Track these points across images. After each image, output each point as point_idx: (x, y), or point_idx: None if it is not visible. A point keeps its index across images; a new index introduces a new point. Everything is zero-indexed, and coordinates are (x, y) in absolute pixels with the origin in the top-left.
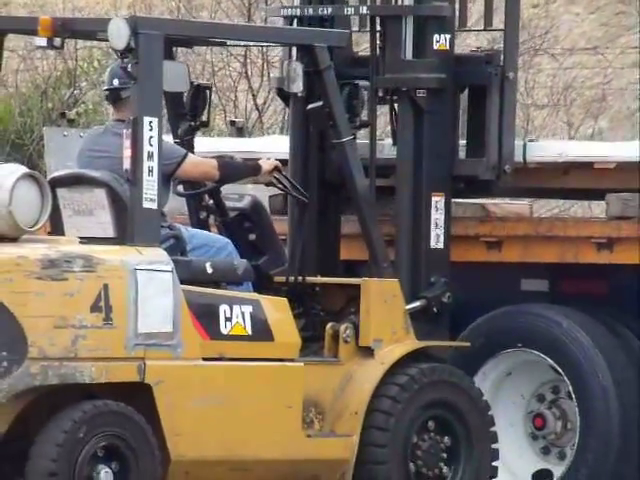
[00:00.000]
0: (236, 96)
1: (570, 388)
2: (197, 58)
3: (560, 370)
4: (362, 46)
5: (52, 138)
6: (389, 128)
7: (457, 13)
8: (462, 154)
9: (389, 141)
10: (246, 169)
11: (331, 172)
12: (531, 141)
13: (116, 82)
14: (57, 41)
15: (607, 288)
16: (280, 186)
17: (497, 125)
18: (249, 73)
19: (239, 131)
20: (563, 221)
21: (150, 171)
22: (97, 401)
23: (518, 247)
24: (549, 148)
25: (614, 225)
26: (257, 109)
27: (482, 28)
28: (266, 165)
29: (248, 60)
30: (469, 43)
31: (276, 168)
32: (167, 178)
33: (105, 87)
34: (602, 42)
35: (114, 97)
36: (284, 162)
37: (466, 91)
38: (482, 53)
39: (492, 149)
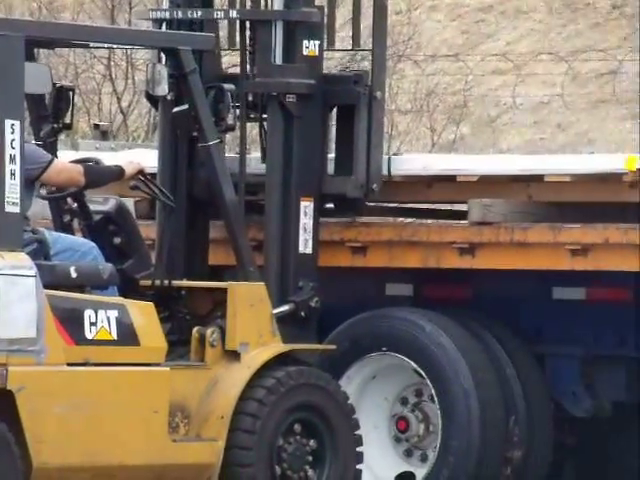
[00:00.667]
0: (100, 99)
1: (432, 391)
2: (60, 60)
3: (423, 373)
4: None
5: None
6: (257, 141)
7: (325, 31)
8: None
9: (257, 155)
10: (110, 173)
11: (199, 189)
12: (395, 155)
13: None
14: None
15: (470, 292)
16: (146, 190)
17: (365, 143)
18: (113, 76)
19: (103, 134)
20: (426, 226)
21: (12, 174)
22: None
23: (382, 252)
24: (413, 162)
25: (475, 230)
26: (122, 112)
27: (350, 48)
28: (129, 168)
29: (112, 62)
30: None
31: (140, 172)
32: (31, 182)
33: None
34: (463, 49)
35: None
36: (153, 175)
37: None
38: (350, 73)
39: (360, 167)
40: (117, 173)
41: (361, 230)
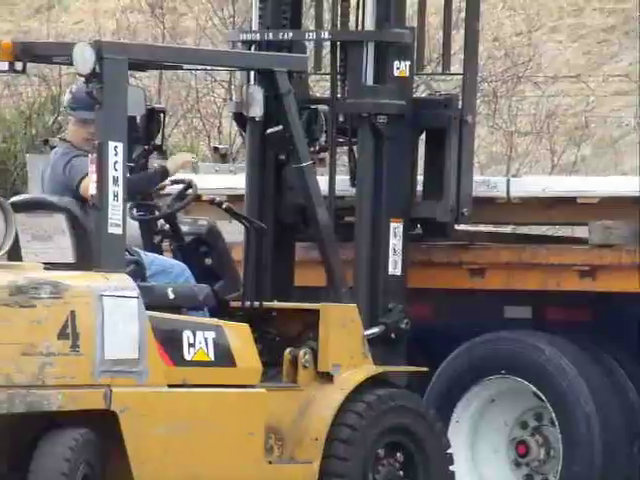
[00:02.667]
0: (220, 122)
1: (553, 415)
2: (181, 84)
3: (543, 397)
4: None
5: (35, 165)
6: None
7: (415, 55)
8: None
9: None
10: (151, 177)
11: (286, 212)
12: (514, 176)
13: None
14: (19, 65)
15: (590, 315)
16: (235, 214)
17: (455, 168)
18: (233, 99)
19: (223, 157)
20: (546, 249)
21: (115, 196)
22: (63, 430)
23: (501, 274)
24: (533, 183)
25: (596, 253)
26: (241, 135)
27: (440, 72)
28: (172, 165)
29: (232, 86)
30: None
31: (186, 163)
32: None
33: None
34: (585, 70)
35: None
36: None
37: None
38: (440, 97)
39: (450, 191)
40: (160, 174)
41: (479, 252)
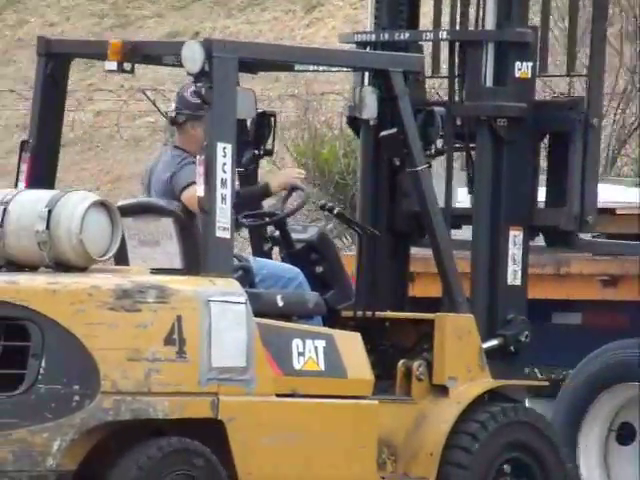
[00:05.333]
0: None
1: None
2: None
3: None
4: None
5: None
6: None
7: (538, 56)
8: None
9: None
10: (254, 193)
11: (401, 219)
12: None
13: (172, 107)
14: (127, 66)
15: None
16: (344, 218)
17: (580, 173)
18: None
19: None
20: None
21: (223, 199)
22: (169, 438)
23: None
24: None
25: None
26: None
27: (565, 73)
28: (275, 183)
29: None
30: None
31: (290, 184)
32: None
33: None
34: None
35: (172, 122)
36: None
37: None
38: (565, 99)
39: (574, 198)
40: (263, 190)
41: (611, 263)
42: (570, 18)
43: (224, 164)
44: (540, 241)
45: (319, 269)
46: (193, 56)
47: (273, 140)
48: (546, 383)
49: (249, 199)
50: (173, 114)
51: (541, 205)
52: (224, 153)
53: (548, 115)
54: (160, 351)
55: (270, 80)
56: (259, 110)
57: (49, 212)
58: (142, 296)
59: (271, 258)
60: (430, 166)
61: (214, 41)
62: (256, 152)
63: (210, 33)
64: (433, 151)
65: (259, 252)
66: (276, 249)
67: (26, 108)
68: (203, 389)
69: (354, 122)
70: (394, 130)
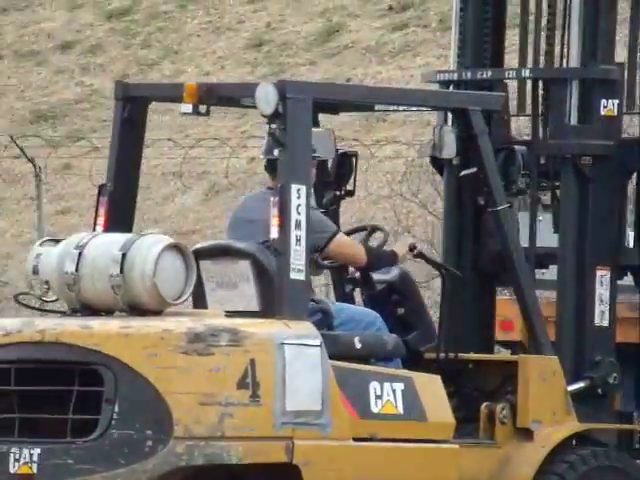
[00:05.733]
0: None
1: None
2: None
3: None
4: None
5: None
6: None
7: (625, 93)
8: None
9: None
10: (386, 257)
11: (486, 260)
12: None
13: (276, 152)
14: (202, 108)
15: None
16: (428, 259)
17: None
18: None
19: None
20: None
21: (298, 240)
22: None
23: None
24: None
25: None
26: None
27: None
28: (401, 251)
29: None
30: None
31: (411, 248)
32: (315, 251)
33: (263, 156)
34: None
35: (271, 166)
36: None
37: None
38: None
39: None
40: (392, 257)
41: None
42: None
43: (299, 205)
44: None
45: (400, 310)
46: (267, 97)
47: (354, 180)
48: (637, 427)
49: (379, 262)
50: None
51: (630, 244)
52: (298, 195)
53: (635, 153)
54: (233, 395)
55: (421, 124)
56: (340, 151)
57: (123, 255)
58: (215, 339)
59: (354, 301)
60: (511, 206)
61: (288, 82)
62: (337, 193)
63: (362, 79)
64: (515, 190)
65: (341, 295)
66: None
67: (182, 156)
68: (277, 433)
69: (437, 162)
70: (474, 169)
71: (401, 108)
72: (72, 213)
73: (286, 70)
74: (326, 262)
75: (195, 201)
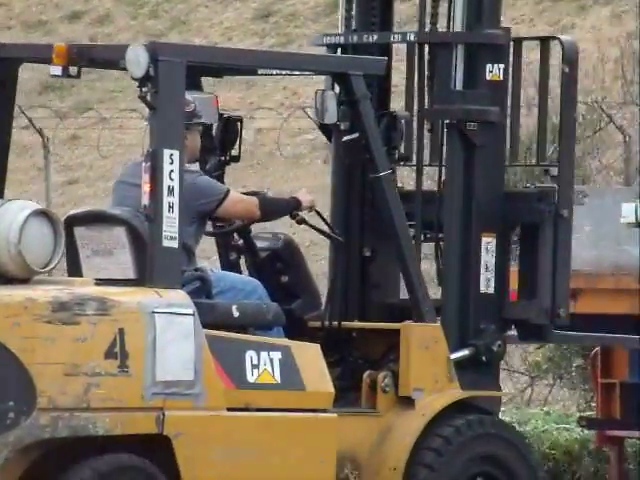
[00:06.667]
0: None
1: None
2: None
3: None
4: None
5: None
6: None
7: (508, 145)
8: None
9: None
10: (286, 205)
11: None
12: None
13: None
14: (73, 70)
15: None
16: (312, 225)
17: (550, 266)
18: None
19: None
20: None
21: (170, 207)
22: (112, 455)
23: None
24: None
25: None
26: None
27: (534, 163)
28: (306, 200)
29: None
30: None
31: (293, 216)
32: (205, 217)
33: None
34: None
35: None
36: None
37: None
38: (535, 189)
39: (545, 291)
40: (293, 204)
41: None
42: (539, 107)
43: (171, 171)
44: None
45: (285, 278)
46: (137, 60)
47: (239, 146)
48: (508, 394)
49: (279, 208)
50: None
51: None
52: (171, 160)
53: (517, 206)
54: (100, 365)
55: None
56: (225, 115)
57: None
58: (81, 308)
59: (239, 269)
60: (394, 171)
61: (159, 44)
62: (222, 158)
63: None
64: (397, 157)
65: (226, 263)
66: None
67: None
68: (147, 404)
69: (325, 127)
70: (356, 135)
71: (283, 72)
72: (79, 184)
73: (294, 40)
74: (210, 229)
75: None
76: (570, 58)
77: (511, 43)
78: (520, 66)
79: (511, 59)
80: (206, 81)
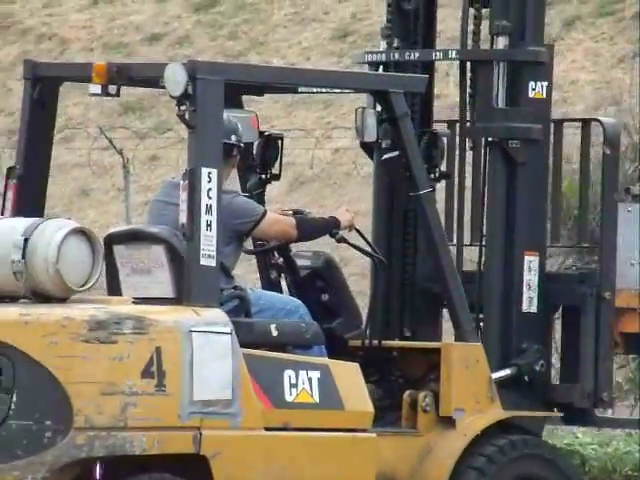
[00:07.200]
0: None
1: None
2: None
3: None
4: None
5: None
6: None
7: (549, 227)
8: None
9: None
10: (325, 225)
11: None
12: None
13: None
14: (112, 88)
15: None
16: (353, 244)
17: (593, 350)
18: None
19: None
20: None
21: (208, 225)
22: (149, 475)
23: None
24: None
25: None
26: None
27: (575, 244)
28: (344, 220)
29: None
30: None
31: (332, 235)
32: (242, 237)
33: None
34: None
35: None
36: None
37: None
38: (576, 271)
39: (587, 376)
40: (332, 224)
41: None
42: (580, 188)
43: (209, 189)
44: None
45: (325, 297)
46: (175, 78)
47: (280, 164)
48: (560, 414)
49: (318, 229)
50: None
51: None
52: (209, 178)
53: (559, 288)
54: (137, 384)
55: None
56: (266, 133)
57: (25, 240)
58: (118, 327)
59: (281, 288)
60: (434, 190)
61: (198, 62)
62: (262, 177)
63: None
64: (437, 174)
65: (267, 282)
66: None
67: None
68: (184, 423)
69: (367, 146)
70: (396, 153)
71: (323, 90)
72: None
73: None
74: (249, 248)
75: (280, 192)
76: (611, 140)
77: (551, 124)
78: (561, 146)
79: (552, 139)
80: (282, 100)
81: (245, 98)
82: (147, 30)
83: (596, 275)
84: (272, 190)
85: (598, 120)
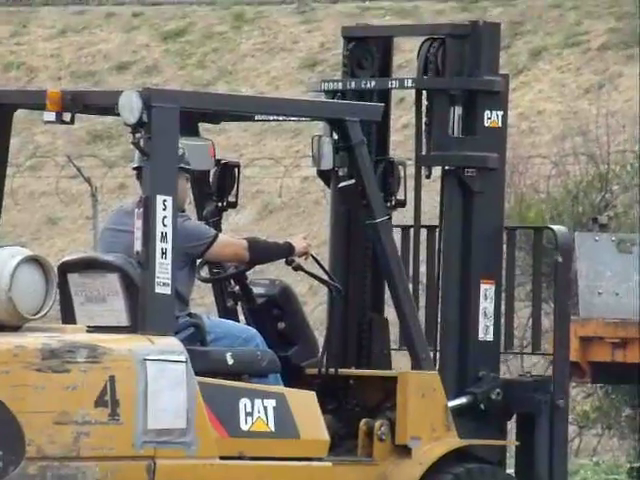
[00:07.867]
0: None
1: None
2: None
3: None
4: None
5: (583, 243)
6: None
7: (502, 336)
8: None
9: None
10: (278, 250)
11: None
12: None
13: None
14: (67, 116)
15: None
16: (309, 272)
17: (547, 457)
18: None
19: (602, 227)
20: None
21: (163, 253)
22: None
23: None
24: None
25: None
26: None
27: (530, 352)
28: (300, 246)
29: None
30: None
31: (289, 262)
32: (195, 260)
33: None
34: None
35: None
36: None
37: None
38: (530, 378)
39: (542, 476)
40: (285, 250)
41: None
42: (533, 297)
43: (164, 217)
44: None
45: (281, 325)
46: (131, 106)
47: (237, 192)
48: (516, 443)
49: (270, 253)
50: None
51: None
52: (164, 206)
53: (513, 395)
54: (90, 413)
55: None
56: (223, 161)
57: None
58: (71, 356)
59: (237, 316)
60: (390, 218)
61: (153, 90)
62: (219, 204)
63: None
64: (394, 203)
65: (223, 310)
66: None
67: None
68: (138, 452)
69: (324, 174)
70: (352, 181)
71: (280, 118)
72: None
73: None
74: (205, 275)
75: (248, 220)
76: (564, 248)
77: (504, 232)
78: (514, 257)
79: (505, 248)
80: (251, 129)
81: (214, 127)
82: (115, 59)
83: (550, 383)
84: (241, 219)
85: (550, 228)
